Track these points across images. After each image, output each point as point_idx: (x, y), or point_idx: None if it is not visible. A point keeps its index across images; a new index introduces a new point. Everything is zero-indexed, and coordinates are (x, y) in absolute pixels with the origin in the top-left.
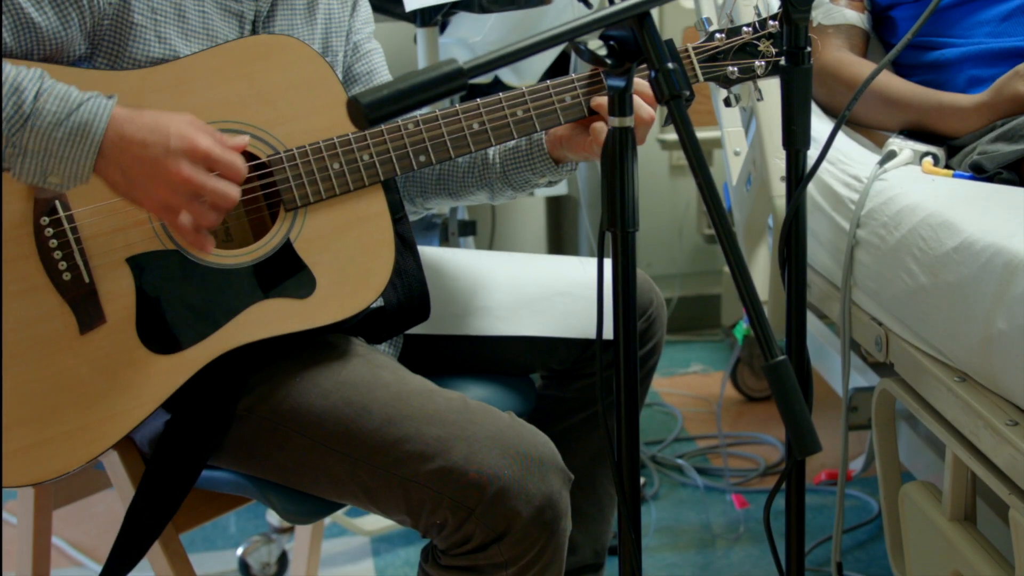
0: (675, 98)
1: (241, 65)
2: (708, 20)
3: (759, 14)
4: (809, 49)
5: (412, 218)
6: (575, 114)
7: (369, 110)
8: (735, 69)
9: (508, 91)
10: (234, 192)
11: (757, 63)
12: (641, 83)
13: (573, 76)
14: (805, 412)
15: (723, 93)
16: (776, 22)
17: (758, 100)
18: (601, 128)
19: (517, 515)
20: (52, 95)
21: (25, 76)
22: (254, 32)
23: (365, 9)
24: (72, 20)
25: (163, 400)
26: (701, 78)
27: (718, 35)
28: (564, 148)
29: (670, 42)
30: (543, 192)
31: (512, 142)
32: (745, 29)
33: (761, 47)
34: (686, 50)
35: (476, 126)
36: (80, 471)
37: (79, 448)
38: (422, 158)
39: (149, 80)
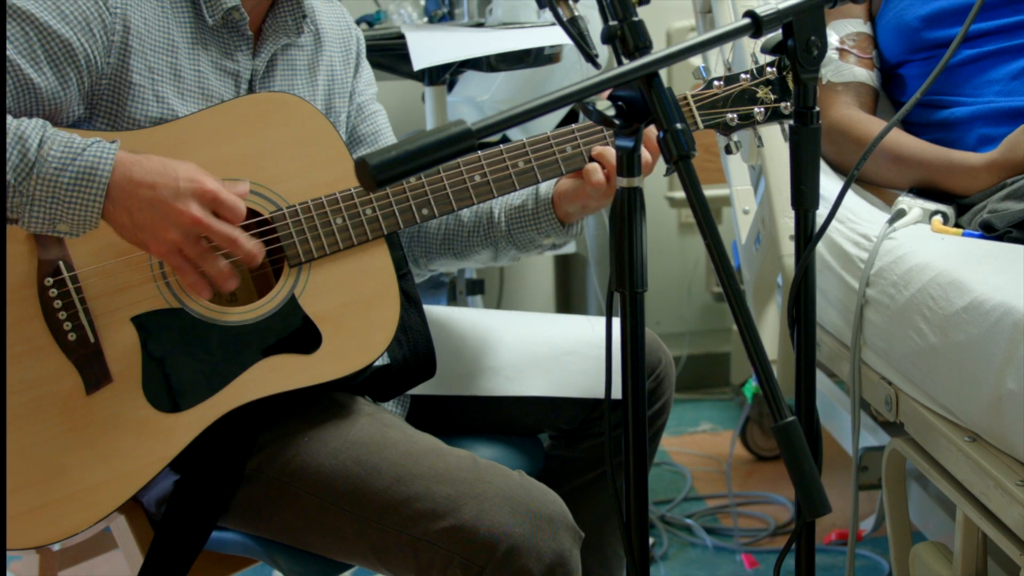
0: (683, 158)
1: (242, 123)
2: (706, 68)
3: (757, 60)
4: (818, 109)
5: (417, 280)
6: (576, 164)
7: (378, 171)
8: (734, 116)
9: (509, 143)
10: (237, 234)
11: (756, 109)
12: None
13: (573, 127)
14: (815, 473)
15: (724, 140)
16: (774, 68)
17: (758, 147)
18: (593, 168)
19: (528, 573)
20: (56, 141)
21: (28, 125)
22: (251, 91)
23: (368, 71)
24: (71, 80)
25: (170, 460)
26: (701, 125)
27: (716, 82)
28: (565, 202)
29: (669, 90)
30: (551, 251)
31: (518, 200)
32: (743, 76)
33: (760, 93)
34: (685, 97)
35: (478, 178)
36: (87, 533)
37: (86, 510)
38: (425, 211)
39: (149, 140)
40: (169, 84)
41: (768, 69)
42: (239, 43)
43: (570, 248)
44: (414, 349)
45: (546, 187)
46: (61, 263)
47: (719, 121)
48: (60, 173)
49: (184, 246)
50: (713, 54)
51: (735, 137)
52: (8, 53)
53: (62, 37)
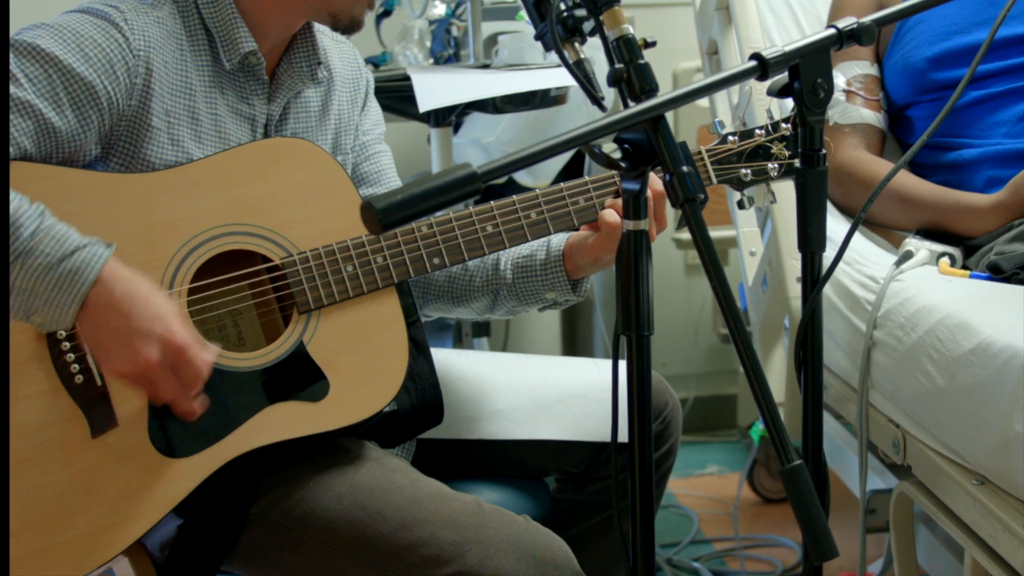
0: (689, 201)
1: (254, 168)
2: (721, 123)
3: (771, 117)
4: (824, 151)
5: None
6: (589, 216)
7: (383, 215)
8: (748, 171)
9: (522, 193)
10: (180, 397)
11: (770, 165)
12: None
13: (587, 179)
14: (822, 517)
15: (737, 195)
16: (788, 124)
17: (771, 203)
18: (608, 214)
19: None
20: (49, 236)
21: (25, 212)
22: (266, 135)
23: (375, 111)
24: (92, 121)
25: (175, 505)
26: (715, 180)
27: (731, 137)
28: (577, 255)
29: (683, 144)
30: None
31: (527, 250)
32: (758, 132)
33: (774, 149)
34: (699, 152)
35: (490, 228)
36: None
37: (90, 554)
38: (436, 260)
39: (163, 183)
40: (186, 127)
41: (783, 125)
42: (255, 87)
43: None
44: (422, 397)
45: (558, 240)
46: None
47: (733, 176)
48: (45, 272)
49: (132, 379)
50: (725, 108)
51: (747, 192)
52: (29, 96)
53: (85, 80)
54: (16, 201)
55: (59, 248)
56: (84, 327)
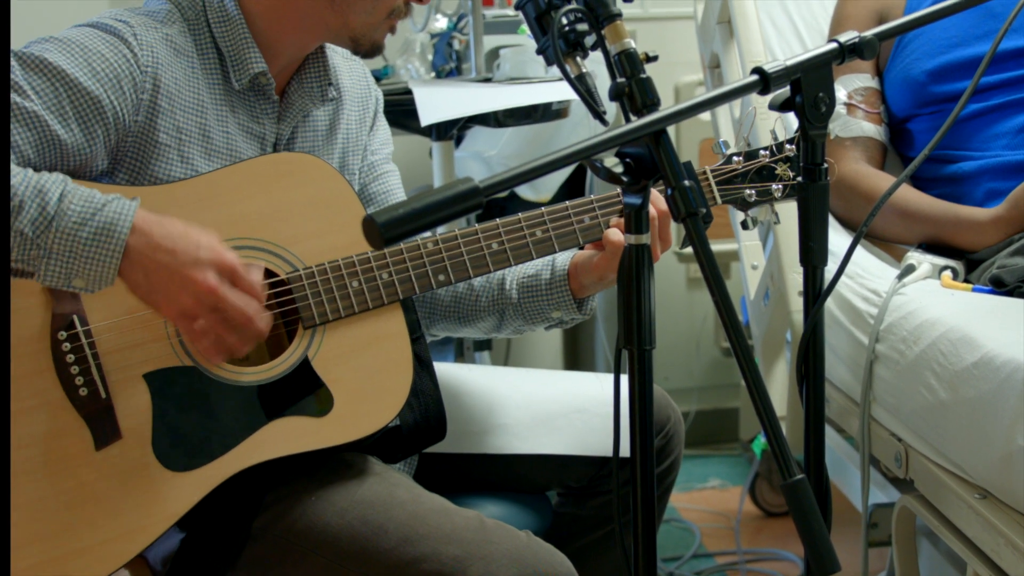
0: (691, 216)
1: (261, 182)
2: (725, 143)
3: (776, 137)
4: (826, 166)
5: None
6: (594, 235)
7: (385, 229)
8: (752, 192)
9: (527, 211)
10: (253, 308)
11: (775, 186)
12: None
13: (592, 197)
14: (824, 531)
15: (740, 216)
16: (793, 145)
17: (775, 223)
18: (613, 233)
19: None
20: (76, 196)
21: (48, 179)
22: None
23: (384, 130)
24: (97, 136)
25: (178, 518)
26: (719, 200)
27: (736, 158)
28: (582, 274)
29: (688, 164)
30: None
31: (532, 269)
32: (762, 152)
33: (778, 170)
34: (704, 172)
35: (495, 246)
36: None
37: (92, 566)
38: (441, 277)
39: (170, 196)
40: (197, 145)
41: (787, 146)
42: (265, 107)
43: None
44: (425, 413)
45: (563, 258)
46: (75, 317)
47: (737, 197)
48: (79, 228)
49: (195, 312)
50: (727, 122)
51: (751, 212)
52: (36, 107)
53: (92, 94)
54: (35, 175)
55: (89, 205)
56: (133, 276)
